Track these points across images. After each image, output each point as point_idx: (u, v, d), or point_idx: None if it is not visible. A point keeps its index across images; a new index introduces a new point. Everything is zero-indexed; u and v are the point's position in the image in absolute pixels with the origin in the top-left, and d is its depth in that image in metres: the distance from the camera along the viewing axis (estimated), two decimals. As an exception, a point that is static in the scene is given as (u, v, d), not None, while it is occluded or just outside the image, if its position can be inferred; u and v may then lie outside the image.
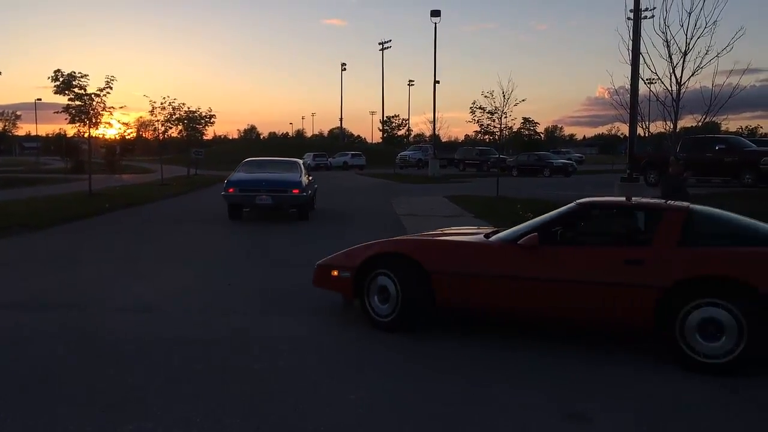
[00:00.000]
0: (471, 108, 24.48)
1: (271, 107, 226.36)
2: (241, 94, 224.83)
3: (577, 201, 5.96)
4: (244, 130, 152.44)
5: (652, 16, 12.37)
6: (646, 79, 12.25)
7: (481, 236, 6.05)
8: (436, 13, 41.10)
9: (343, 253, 6.41)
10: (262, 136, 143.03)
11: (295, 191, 14.55)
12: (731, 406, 4.26)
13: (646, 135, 14.18)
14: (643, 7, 12.44)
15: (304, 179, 15.29)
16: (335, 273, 6.27)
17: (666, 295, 4.76)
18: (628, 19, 12.27)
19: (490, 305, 5.59)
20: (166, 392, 4.32)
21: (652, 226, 5.33)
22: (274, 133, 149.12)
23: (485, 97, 23.24)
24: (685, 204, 5.60)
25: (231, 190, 14.71)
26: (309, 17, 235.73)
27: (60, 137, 62.86)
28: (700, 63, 11.01)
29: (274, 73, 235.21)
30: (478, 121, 24.62)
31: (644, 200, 6.38)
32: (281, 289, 7.51)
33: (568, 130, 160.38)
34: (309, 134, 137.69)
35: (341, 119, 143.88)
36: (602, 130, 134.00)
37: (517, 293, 5.40)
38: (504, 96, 22.25)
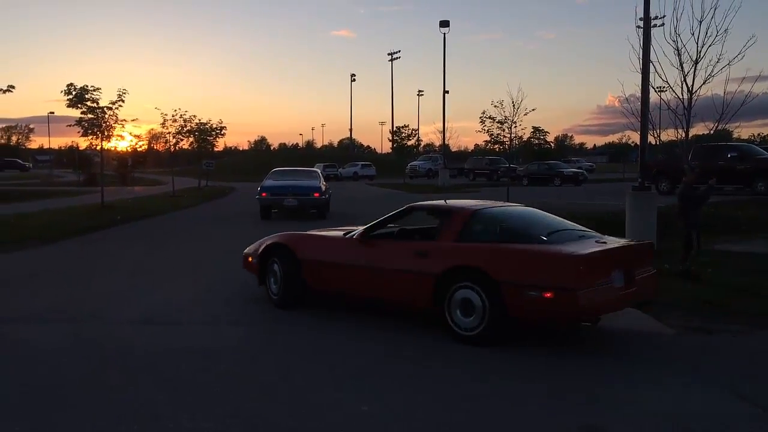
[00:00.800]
0: (481, 118, 24.48)
1: (282, 118, 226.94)
2: (251, 105, 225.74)
3: (408, 204, 7.00)
4: (255, 141, 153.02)
5: (662, 24, 12.31)
6: (657, 88, 12.18)
7: (342, 233, 7.10)
8: (445, 24, 41.28)
9: (256, 243, 7.69)
10: (272, 147, 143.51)
11: (316, 195, 17.57)
12: (755, 422, 4.20)
13: (657, 143, 14.07)
14: (653, 15, 12.38)
15: (323, 185, 18.30)
16: (250, 259, 7.65)
17: (439, 280, 5.79)
18: (638, 27, 12.21)
19: (338, 287, 6.82)
20: (175, 402, 4.32)
21: (444, 225, 6.31)
22: (285, 144, 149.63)
23: (495, 106, 23.22)
24: (473, 207, 6.49)
25: (264, 194, 17.76)
26: (319, 29, 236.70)
27: (72, 150, 63.47)
28: (712, 71, 10.87)
29: (284, 85, 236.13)
30: (488, 131, 24.63)
31: (446, 203, 7.21)
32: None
33: (578, 139, 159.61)
34: (319, 145, 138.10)
35: (351, 130, 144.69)
36: (613, 138, 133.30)
37: (353, 278, 6.62)
38: (514, 105, 22.24)
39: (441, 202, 7.54)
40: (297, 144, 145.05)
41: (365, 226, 6.85)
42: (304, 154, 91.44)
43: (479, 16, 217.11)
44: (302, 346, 5.76)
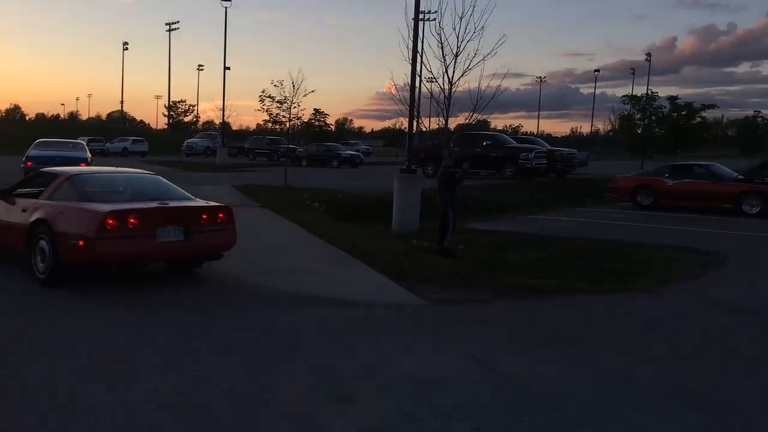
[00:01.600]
0: (260, 96, 24.29)
1: (41, 86, 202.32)
2: (4, 70, 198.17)
3: (39, 170, 8.19)
4: (6, 109, 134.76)
5: (434, 19, 13.20)
6: (426, 78, 13.03)
7: None
8: (225, -3, 39.80)
9: None
10: (28, 117, 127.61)
11: (83, 165, 17.95)
12: (487, 383, 4.71)
13: (428, 130, 15.12)
14: (426, 9, 13.20)
15: (89, 157, 19.60)
16: None
17: (28, 231, 6.91)
18: (413, 19, 12.96)
19: None
20: None
21: (48, 186, 7.34)
22: (43, 114, 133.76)
23: (275, 86, 23.16)
24: (72, 172, 7.65)
25: (29, 163, 18.10)
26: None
27: None
28: (469, 65, 11.93)
29: (45, 49, 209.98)
30: (267, 110, 24.52)
31: (60, 169, 8.16)
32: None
33: (357, 123, 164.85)
34: (85, 117, 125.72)
35: (122, 102, 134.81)
36: (388, 123, 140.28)
37: None
38: (294, 86, 22.37)
39: (60, 168, 8.47)
40: (58, 115, 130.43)
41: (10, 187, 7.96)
42: (66, 126, 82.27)
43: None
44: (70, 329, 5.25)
